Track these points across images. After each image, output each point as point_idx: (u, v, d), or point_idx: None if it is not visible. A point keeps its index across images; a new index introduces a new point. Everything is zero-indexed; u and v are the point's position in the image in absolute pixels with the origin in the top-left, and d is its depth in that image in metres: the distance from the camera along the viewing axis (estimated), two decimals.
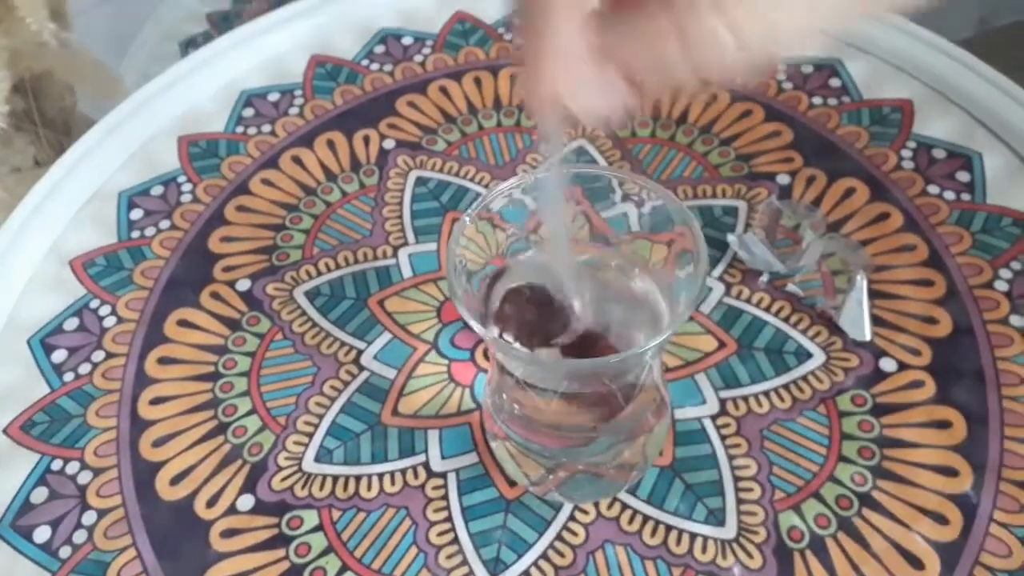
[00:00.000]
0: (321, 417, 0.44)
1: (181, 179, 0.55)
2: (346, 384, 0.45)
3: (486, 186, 0.53)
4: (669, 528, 0.40)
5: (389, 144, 0.56)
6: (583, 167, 0.39)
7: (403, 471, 0.42)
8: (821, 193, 0.52)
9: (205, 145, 0.57)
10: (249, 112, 0.58)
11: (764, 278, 0.48)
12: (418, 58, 0.61)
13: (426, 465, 0.42)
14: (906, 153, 0.53)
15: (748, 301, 0.47)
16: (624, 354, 0.30)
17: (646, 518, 0.40)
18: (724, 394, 0.44)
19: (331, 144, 0.56)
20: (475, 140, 0.56)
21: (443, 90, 0.59)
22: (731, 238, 0.49)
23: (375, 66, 0.61)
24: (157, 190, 0.55)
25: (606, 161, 0.54)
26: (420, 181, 0.54)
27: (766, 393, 0.44)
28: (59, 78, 0.88)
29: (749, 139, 0.55)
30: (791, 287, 0.47)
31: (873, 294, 0.46)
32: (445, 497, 0.41)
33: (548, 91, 0.25)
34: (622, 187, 0.36)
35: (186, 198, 0.54)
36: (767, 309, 0.47)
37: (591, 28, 0.25)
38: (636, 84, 0.25)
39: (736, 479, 0.41)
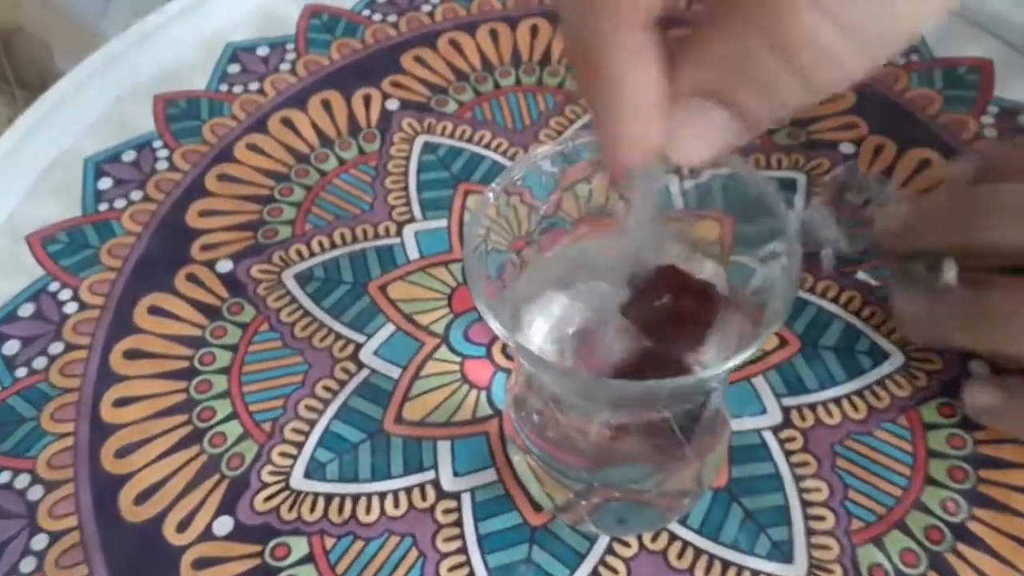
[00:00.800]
0: (312, 424, 0.38)
1: (156, 144, 0.48)
2: (342, 384, 0.39)
3: (503, 153, 0.46)
4: (727, 564, 0.33)
5: (393, 105, 0.49)
6: None
7: (408, 490, 0.36)
8: (891, 164, 0.45)
9: (184, 105, 0.50)
10: (235, 68, 0.51)
11: (830, 263, 0.41)
12: (426, 7, 0.54)
13: (436, 483, 0.36)
14: (987, 119, 0.46)
15: (812, 291, 0.40)
16: (693, 377, 0.23)
17: (699, 552, 0.34)
18: (788, 402, 0.37)
19: (327, 105, 0.49)
20: (491, 101, 0.49)
21: (454, 44, 0.52)
22: (798, 209, 0.42)
23: (377, 16, 0.53)
24: (129, 156, 0.48)
25: None
26: (428, 147, 0.47)
27: (836, 401, 0.37)
28: (33, 34, 0.81)
29: None
30: (861, 275, 0.41)
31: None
32: (458, 523, 0.35)
33: (633, 156, 0.21)
34: None
35: (162, 165, 0.47)
36: (834, 300, 0.40)
37: (669, 65, 0.20)
38: (742, 115, 0.20)
39: (805, 504, 0.34)
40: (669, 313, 0.26)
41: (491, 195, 0.27)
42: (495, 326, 0.24)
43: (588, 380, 0.24)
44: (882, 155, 0.45)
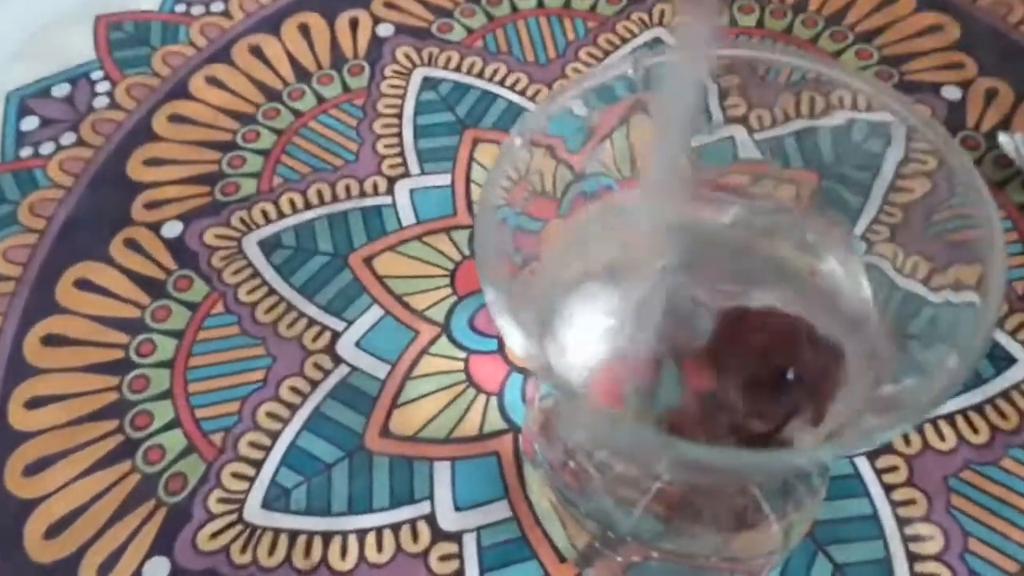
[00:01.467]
0: (275, 436, 0.29)
1: (96, 75, 0.39)
2: (314, 385, 0.30)
3: (522, 92, 0.37)
4: None
5: (385, 30, 0.40)
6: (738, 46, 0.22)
7: (396, 528, 0.28)
8: (1008, 114, 0.36)
9: (132, 29, 0.41)
10: None
11: None
12: None
13: (431, 519, 0.28)
14: None
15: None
16: (807, 452, 0.15)
17: None
18: None
19: (304, 29, 0.40)
20: (506, 27, 0.39)
21: None
22: (1003, 138, 0.33)
23: None
24: (61, 90, 0.39)
25: None
26: (428, 83, 0.38)
27: (950, 418, 0.29)
28: None
29: (898, 34, 0.38)
30: None
31: None
32: (460, 574, 0.27)
33: None
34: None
35: (101, 102, 0.38)
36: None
37: None
38: None
39: (912, 558, 0.26)
40: (773, 384, 0.18)
41: (518, 141, 0.19)
42: (510, 331, 0.15)
43: (653, 440, 0.15)
44: (996, 102, 0.36)
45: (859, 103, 0.19)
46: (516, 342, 0.16)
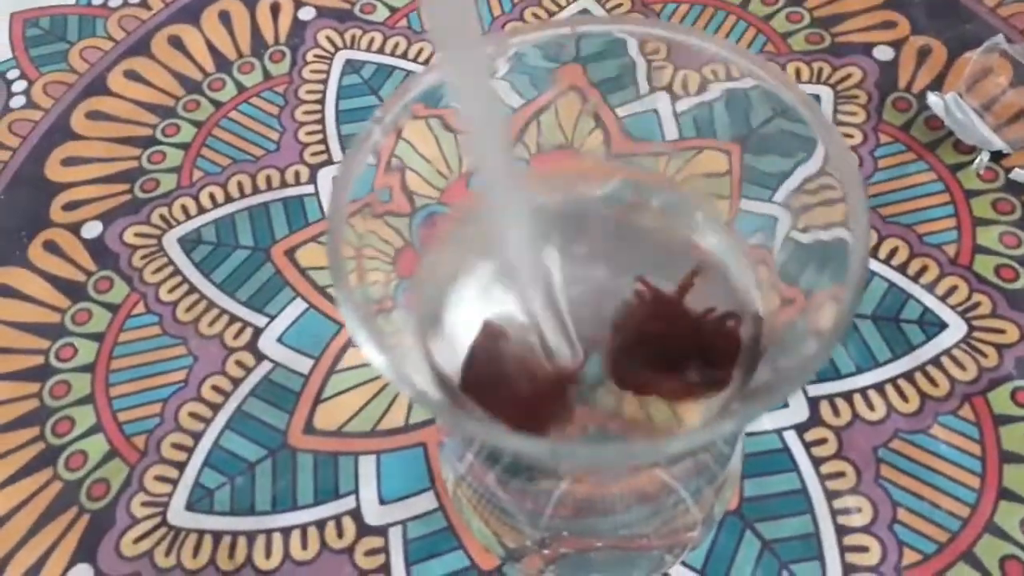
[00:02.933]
0: (198, 437, 0.29)
1: (12, 74, 0.38)
2: (236, 383, 0.30)
3: None
4: None
5: (307, 14, 0.39)
6: (583, 21, 0.22)
7: (320, 525, 0.27)
8: (941, 72, 0.35)
9: (48, 25, 0.40)
10: None
11: (982, 158, 0.32)
12: None
13: (356, 514, 0.27)
14: None
15: None
16: (693, 436, 0.14)
17: None
18: (815, 390, 0.28)
19: (225, 17, 0.39)
20: None
21: None
22: (932, 99, 0.33)
23: None
24: None
25: None
26: (351, 67, 0.37)
27: (879, 388, 0.28)
28: None
29: None
30: (1019, 172, 0.32)
31: None
32: (386, 568, 0.26)
33: None
34: (650, 59, 0.21)
35: (17, 102, 0.37)
36: (872, 252, 0.31)
37: None
38: None
39: (840, 531, 0.26)
40: (671, 374, 0.17)
41: (385, 117, 0.18)
42: (371, 356, 0.15)
43: (543, 449, 0.15)
44: (929, 60, 0.35)
45: (732, 73, 0.19)
46: (381, 368, 0.15)
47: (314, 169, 0.34)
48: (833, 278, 0.17)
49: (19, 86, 0.38)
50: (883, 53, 0.36)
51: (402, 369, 0.15)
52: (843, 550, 0.26)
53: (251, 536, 0.27)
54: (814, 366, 0.14)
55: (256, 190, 0.34)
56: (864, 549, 0.26)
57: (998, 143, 0.32)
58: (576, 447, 0.17)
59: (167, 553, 0.27)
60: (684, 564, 0.26)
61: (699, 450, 0.19)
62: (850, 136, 0.33)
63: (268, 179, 0.34)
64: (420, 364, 0.18)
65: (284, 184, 0.34)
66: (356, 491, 0.28)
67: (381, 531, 0.27)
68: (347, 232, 0.17)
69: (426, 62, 0.37)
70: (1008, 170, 0.32)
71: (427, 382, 0.18)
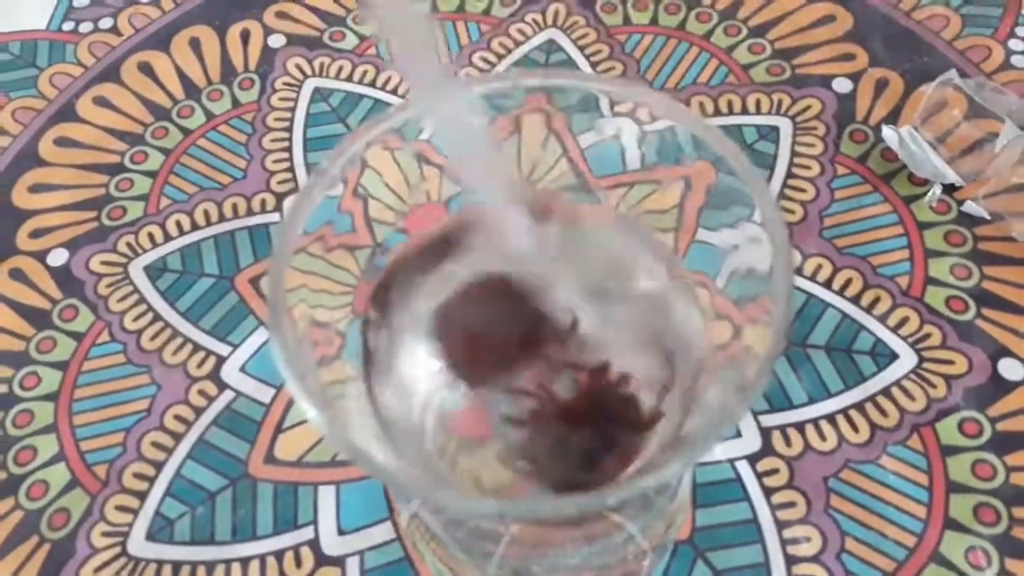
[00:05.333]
0: (160, 466, 0.29)
1: None
2: (199, 412, 0.30)
3: None
4: None
5: (277, 41, 0.39)
6: (545, 73, 0.22)
7: (279, 555, 0.27)
8: (898, 104, 0.36)
9: (18, 50, 0.40)
10: (82, 1, 0.41)
11: (935, 191, 0.33)
12: None
13: (315, 544, 0.28)
14: (1016, 44, 0.37)
15: (798, 272, 0.32)
16: (634, 485, 0.15)
17: None
18: (767, 420, 0.29)
19: (195, 43, 0.39)
20: None
21: None
22: (887, 132, 0.34)
23: None
24: None
25: (587, 60, 0.37)
26: (320, 95, 0.37)
27: (830, 418, 0.29)
28: None
29: (791, 27, 0.38)
30: (971, 204, 0.32)
31: None
32: None
33: None
34: (610, 100, 0.21)
35: None
36: (827, 284, 0.31)
37: None
38: None
39: (789, 561, 0.27)
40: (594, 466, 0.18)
41: (371, 135, 0.18)
42: (301, 400, 0.15)
43: (489, 510, 0.15)
44: (887, 91, 0.36)
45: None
46: (318, 425, 0.15)
47: (280, 197, 0.34)
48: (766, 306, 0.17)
49: None
50: (842, 85, 0.36)
51: (341, 425, 0.15)
52: None
53: (210, 566, 0.27)
54: (752, 395, 0.14)
55: (222, 218, 0.34)
56: None
57: (951, 176, 0.33)
58: (518, 503, 0.17)
59: None
60: None
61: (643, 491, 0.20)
62: (807, 167, 0.34)
63: (235, 207, 0.34)
64: (365, 413, 0.19)
65: (250, 212, 0.34)
66: (315, 521, 0.28)
67: (339, 561, 0.27)
68: (290, 272, 0.17)
69: (394, 91, 0.37)
70: (960, 202, 0.33)
71: (370, 434, 0.18)
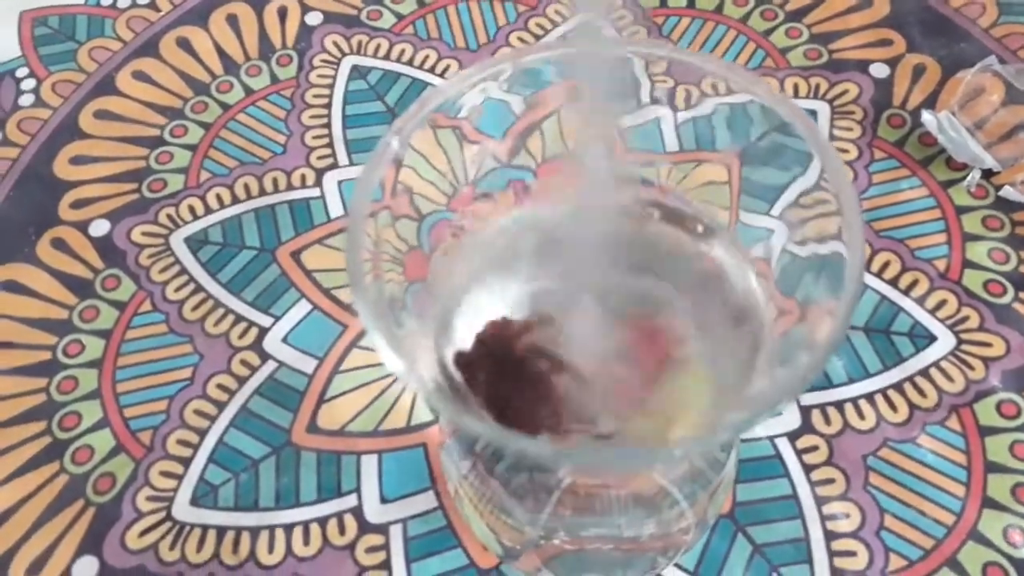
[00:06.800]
0: (203, 433, 0.30)
1: (21, 72, 0.39)
2: (241, 382, 0.30)
3: None
4: None
5: (314, 19, 0.39)
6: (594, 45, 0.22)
7: (323, 522, 0.28)
8: (935, 90, 0.36)
9: (57, 24, 0.40)
10: None
11: (973, 175, 0.33)
12: None
13: (358, 512, 0.28)
14: None
15: None
16: (690, 444, 0.15)
17: None
18: (807, 399, 0.29)
19: (232, 20, 0.39)
20: (437, 12, 0.39)
21: None
22: (926, 116, 0.33)
23: None
24: None
25: None
26: (357, 72, 0.37)
27: (870, 398, 0.29)
28: None
29: (828, 12, 0.38)
30: (1008, 190, 0.32)
31: None
32: (386, 565, 0.27)
33: None
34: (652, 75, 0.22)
35: (26, 100, 0.38)
36: (866, 265, 0.32)
37: None
38: None
39: (829, 536, 0.27)
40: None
41: (402, 130, 0.19)
42: (386, 356, 0.15)
43: (544, 451, 0.15)
44: (924, 77, 0.36)
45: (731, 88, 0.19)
46: (395, 368, 0.16)
47: (320, 173, 0.35)
48: (829, 290, 0.17)
49: (28, 84, 0.38)
50: (879, 70, 0.36)
51: (414, 367, 0.16)
52: (831, 554, 0.27)
53: (254, 532, 0.28)
54: (808, 378, 0.15)
55: (263, 192, 0.34)
56: (852, 554, 0.27)
57: (989, 161, 0.33)
58: (577, 451, 0.17)
59: (171, 547, 0.28)
60: (677, 566, 0.26)
61: (695, 457, 0.20)
62: (845, 151, 0.34)
63: (275, 181, 0.35)
64: (431, 367, 0.19)
65: (290, 187, 0.34)
66: (358, 489, 0.28)
67: (382, 529, 0.28)
68: (365, 233, 0.18)
69: (431, 69, 0.37)
70: (998, 188, 0.33)
71: (437, 384, 0.18)
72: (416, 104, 0.19)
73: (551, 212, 0.22)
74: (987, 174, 0.33)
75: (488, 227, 0.22)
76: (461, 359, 0.19)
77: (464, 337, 0.20)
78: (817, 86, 0.36)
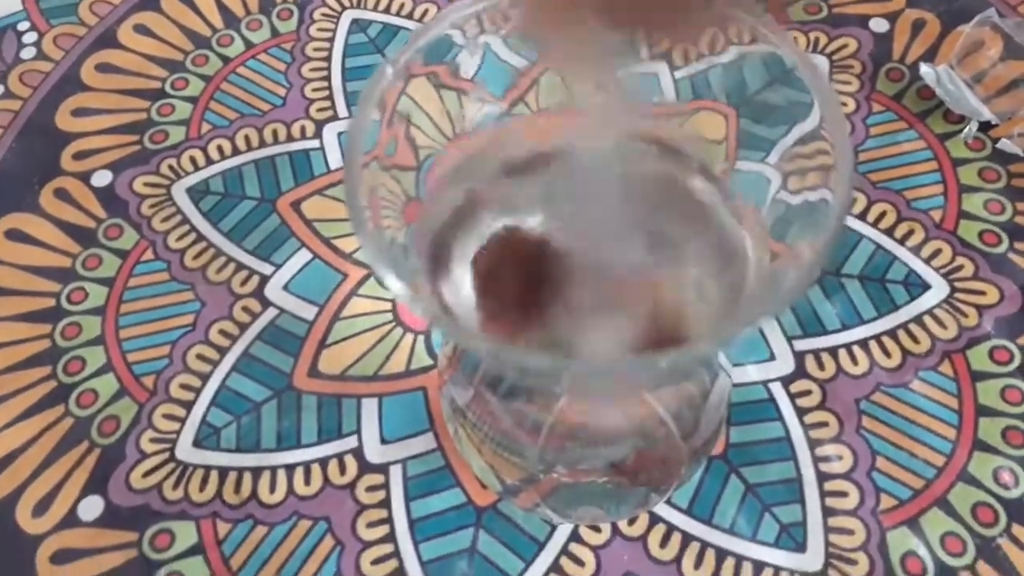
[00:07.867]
0: (205, 377, 0.30)
1: (23, 26, 0.39)
2: (243, 328, 0.31)
3: None
4: (723, 554, 0.26)
5: None
6: None
7: (323, 462, 0.28)
8: (934, 44, 0.36)
9: None
10: None
11: (970, 128, 0.33)
12: None
13: (358, 453, 0.28)
14: None
15: None
16: (687, 352, 0.15)
17: (688, 538, 0.27)
18: (801, 345, 0.30)
19: None
20: None
21: None
22: (924, 69, 0.34)
23: None
24: None
25: None
26: (357, 25, 0.38)
27: (863, 343, 0.29)
28: None
29: None
30: (1005, 142, 0.32)
31: None
32: (386, 503, 0.27)
33: None
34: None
35: (28, 53, 0.38)
36: (862, 216, 0.32)
37: None
38: None
39: (822, 477, 0.27)
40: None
41: (390, 68, 0.19)
42: (390, 282, 0.16)
43: (542, 363, 0.16)
44: (923, 32, 0.36)
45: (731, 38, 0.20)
46: (399, 293, 0.16)
47: (320, 124, 0.35)
48: (816, 232, 0.17)
49: (29, 38, 0.38)
50: (878, 25, 0.36)
51: (418, 297, 0.16)
52: (823, 495, 0.27)
53: (256, 472, 0.28)
54: (796, 293, 0.15)
55: (263, 143, 0.34)
56: (843, 494, 0.27)
57: (987, 114, 0.33)
58: (573, 361, 0.18)
59: (175, 487, 0.28)
60: (671, 504, 0.27)
61: (687, 369, 0.20)
62: (844, 104, 0.34)
63: (275, 133, 0.35)
64: (431, 302, 0.19)
65: (290, 138, 0.35)
66: (358, 431, 0.29)
67: (382, 469, 0.28)
68: (362, 178, 0.18)
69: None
70: (995, 140, 0.33)
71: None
72: (411, 36, 0.19)
73: (546, 142, 0.23)
74: (985, 127, 0.33)
75: (479, 156, 0.22)
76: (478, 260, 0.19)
77: (460, 278, 0.20)
78: (816, 40, 0.36)
